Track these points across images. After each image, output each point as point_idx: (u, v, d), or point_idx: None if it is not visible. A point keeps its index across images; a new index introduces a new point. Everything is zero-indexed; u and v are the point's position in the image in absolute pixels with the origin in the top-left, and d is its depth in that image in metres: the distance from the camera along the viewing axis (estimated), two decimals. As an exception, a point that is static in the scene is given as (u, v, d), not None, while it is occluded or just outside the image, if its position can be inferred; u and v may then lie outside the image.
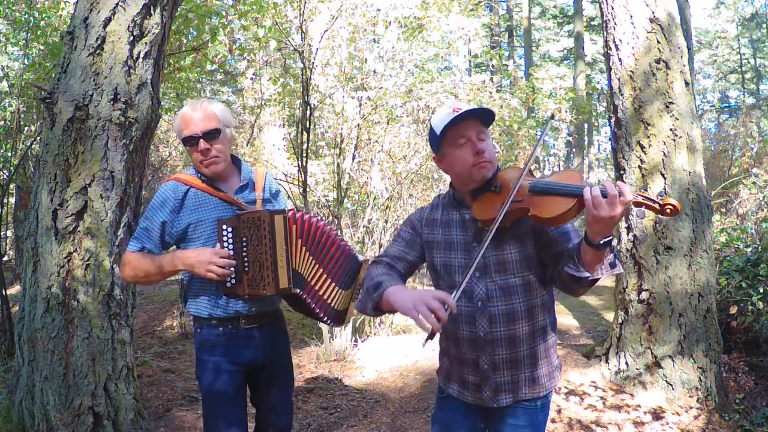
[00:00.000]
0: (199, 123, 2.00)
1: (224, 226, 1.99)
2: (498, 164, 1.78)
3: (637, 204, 1.45)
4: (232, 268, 1.97)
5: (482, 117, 1.69)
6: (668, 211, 1.43)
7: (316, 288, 2.06)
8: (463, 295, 1.68)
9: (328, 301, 2.10)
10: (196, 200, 2.05)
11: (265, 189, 2.21)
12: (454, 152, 1.69)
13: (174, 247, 2.13)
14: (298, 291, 2.01)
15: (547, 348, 1.77)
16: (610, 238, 1.48)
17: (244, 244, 1.98)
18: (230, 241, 1.99)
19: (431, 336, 1.43)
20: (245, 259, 1.98)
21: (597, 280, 1.56)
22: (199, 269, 1.92)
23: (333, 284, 2.10)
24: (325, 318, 2.10)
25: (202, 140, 1.99)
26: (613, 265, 1.53)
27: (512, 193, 1.56)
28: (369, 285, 1.68)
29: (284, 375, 2.25)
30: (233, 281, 1.98)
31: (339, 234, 2.14)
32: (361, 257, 2.21)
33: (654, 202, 1.45)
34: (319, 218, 2.12)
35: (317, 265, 2.07)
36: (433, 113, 7.02)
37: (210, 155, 2.02)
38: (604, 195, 1.42)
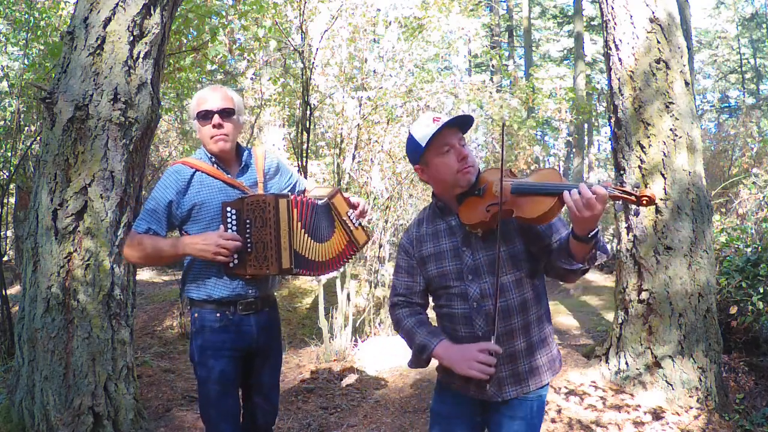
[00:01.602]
0: (217, 101, 2.14)
1: (228, 209, 2.09)
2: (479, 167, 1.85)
3: (614, 198, 1.52)
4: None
5: (461, 124, 1.75)
6: (644, 202, 1.50)
7: (311, 259, 2.17)
8: (458, 297, 1.77)
9: (319, 261, 2.20)
10: (202, 183, 2.14)
11: (267, 169, 2.30)
12: (439, 160, 1.73)
13: (177, 228, 2.19)
14: (298, 270, 2.12)
15: (543, 338, 1.82)
16: (597, 229, 1.55)
17: (248, 225, 2.08)
18: (234, 222, 2.08)
19: (488, 381, 1.65)
20: (248, 240, 2.08)
21: (589, 268, 1.65)
22: (207, 253, 2.00)
23: (319, 245, 2.20)
24: (316, 274, 2.23)
25: (217, 114, 2.12)
26: (604, 251, 1.62)
27: (500, 198, 1.61)
28: (412, 343, 1.82)
29: (275, 363, 2.35)
30: (236, 261, 2.07)
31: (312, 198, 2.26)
32: (324, 200, 2.26)
33: (630, 194, 1.51)
34: (313, 199, 2.22)
35: (311, 239, 2.17)
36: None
37: (221, 131, 2.13)
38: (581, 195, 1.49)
